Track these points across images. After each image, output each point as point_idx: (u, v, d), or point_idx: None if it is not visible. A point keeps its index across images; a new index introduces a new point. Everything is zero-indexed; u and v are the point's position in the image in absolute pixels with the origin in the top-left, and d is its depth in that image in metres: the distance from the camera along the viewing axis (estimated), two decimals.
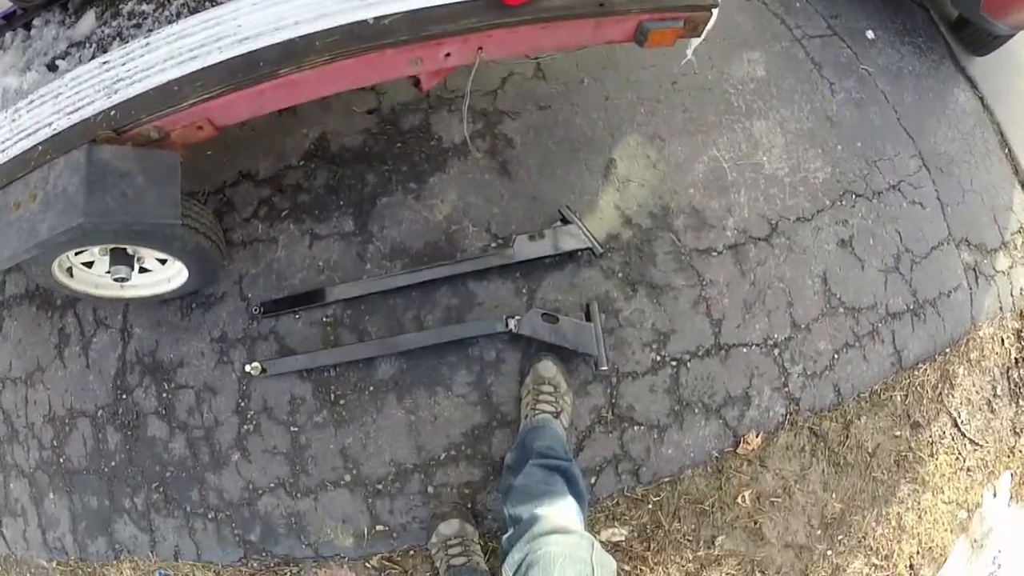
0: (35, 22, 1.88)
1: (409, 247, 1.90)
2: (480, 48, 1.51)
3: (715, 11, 1.60)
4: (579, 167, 2.01)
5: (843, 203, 2.23)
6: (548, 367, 1.75)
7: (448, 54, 1.51)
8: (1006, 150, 2.92)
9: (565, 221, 1.85)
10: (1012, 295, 2.59)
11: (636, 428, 1.85)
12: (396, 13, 1.45)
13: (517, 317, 1.76)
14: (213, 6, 1.68)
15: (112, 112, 1.50)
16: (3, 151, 1.59)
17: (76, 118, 1.53)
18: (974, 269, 2.50)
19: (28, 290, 2.17)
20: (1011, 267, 2.64)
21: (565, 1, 1.49)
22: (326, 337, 1.86)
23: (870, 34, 2.77)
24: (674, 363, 1.88)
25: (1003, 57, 3.08)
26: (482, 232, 1.91)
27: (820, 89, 2.42)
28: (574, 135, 2.05)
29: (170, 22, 1.69)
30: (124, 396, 1.97)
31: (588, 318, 1.78)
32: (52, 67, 1.78)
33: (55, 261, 1.68)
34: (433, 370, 1.82)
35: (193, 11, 1.70)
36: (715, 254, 1.99)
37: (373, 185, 1.96)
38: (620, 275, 1.91)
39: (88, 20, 1.83)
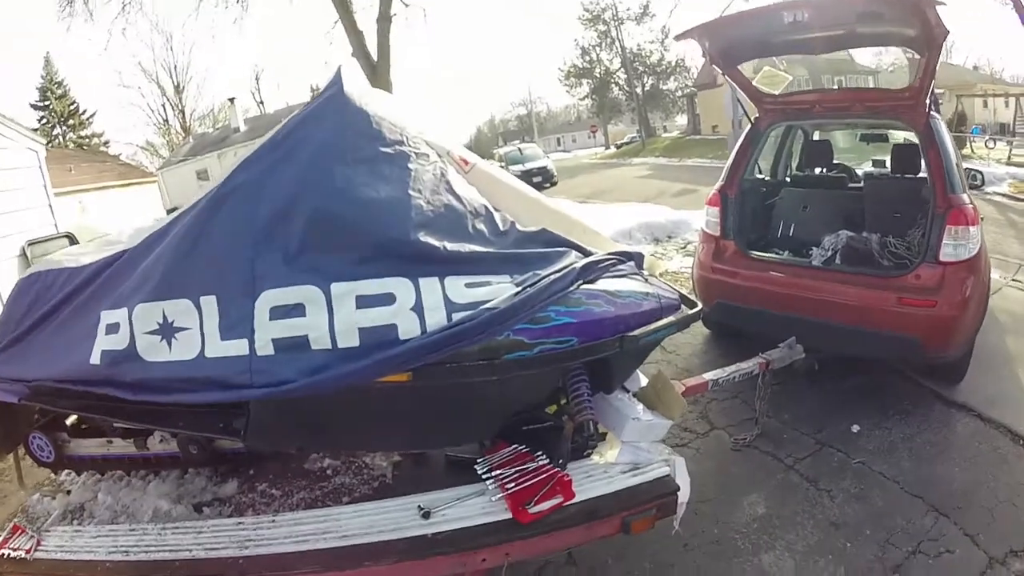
0: (190, 470, 2.85)
1: None
2: (507, 553, 1.94)
3: (680, 493, 2.05)
4: None
5: None
6: None
7: (484, 559, 1.92)
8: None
9: None
10: None
11: None
12: (446, 531, 1.94)
13: None
14: (323, 507, 2.46)
15: (241, 562, 1.94)
16: (147, 553, 2.01)
17: (213, 555, 1.98)
18: None
19: None
20: None
21: (562, 516, 1.97)
22: None
23: (855, 428, 3.16)
24: None
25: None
26: None
27: (819, 501, 2.66)
28: None
29: (291, 509, 2.57)
30: None
31: None
32: (199, 509, 2.66)
33: None
34: None
35: (309, 505, 2.58)
36: None
37: None
38: None
39: (232, 485, 2.83)
